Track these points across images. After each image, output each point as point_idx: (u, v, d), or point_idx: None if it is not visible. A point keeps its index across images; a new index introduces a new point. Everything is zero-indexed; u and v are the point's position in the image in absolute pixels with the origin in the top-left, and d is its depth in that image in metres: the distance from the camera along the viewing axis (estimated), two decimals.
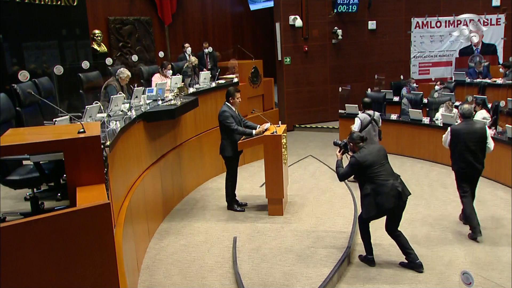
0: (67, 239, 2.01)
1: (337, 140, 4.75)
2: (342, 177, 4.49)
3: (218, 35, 12.26)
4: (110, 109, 4.61)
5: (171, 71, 7.09)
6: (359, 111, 6.97)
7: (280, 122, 6.06)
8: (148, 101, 5.63)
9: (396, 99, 9.60)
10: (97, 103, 4.17)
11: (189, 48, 8.96)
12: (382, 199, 4.16)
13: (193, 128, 6.75)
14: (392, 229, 4.40)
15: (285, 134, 5.79)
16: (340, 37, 11.24)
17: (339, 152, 4.59)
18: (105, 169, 2.93)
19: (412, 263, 4.34)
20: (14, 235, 1.89)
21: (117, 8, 9.69)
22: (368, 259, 4.47)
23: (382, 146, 4.48)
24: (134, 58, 8.01)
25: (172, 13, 10.71)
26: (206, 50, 9.37)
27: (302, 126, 11.19)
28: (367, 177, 4.23)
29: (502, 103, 7.57)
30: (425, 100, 9.03)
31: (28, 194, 4.13)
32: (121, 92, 5.58)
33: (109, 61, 6.93)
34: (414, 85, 9.69)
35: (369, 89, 9.38)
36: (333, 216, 5.55)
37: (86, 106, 3.97)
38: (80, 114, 4.17)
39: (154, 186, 5.30)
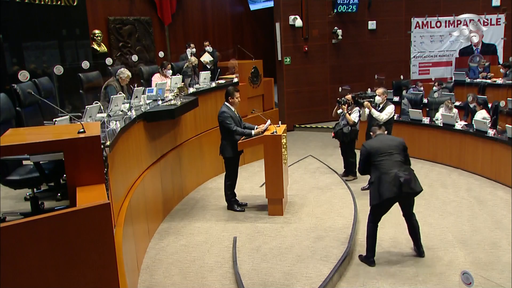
0: (67, 239, 2.01)
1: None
2: (360, 171, 4.62)
3: (218, 35, 12.25)
4: (110, 109, 4.61)
5: (171, 71, 7.09)
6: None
7: (280, 122, 6.06)
8: (148, 101, 5.62)
9: (396, 99, 9.60)
10: (97, 103, 4.17)
11: (194, 49, 8.95)
12: (383, 188, 4.19)
13: (193, 128, 6.75)
14: (406, 215, 4.55)
15: (285, 134, 5.79)
16: (340, 37, 11.24)
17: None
18: (105, 169, 2.93)
19: (417, 251, 4.56)
20: (14, 235, 1.89)
21: (117, 8, 9.68)
22: (369, 260, 4.45)
23: (399, 139, 4.49)
24: (134, 58, 8.00)
25: (172, 13, 10.69)
26: (207, 49, 9.35)
27: (302, 126, 11.18)
28: (373, 165, 4.34)
29: (502, 103, 7.57)
30: (425, 100, 9.04)
31: (28, 194, 4.13)
32: (121, 92, 5.58)
33: (109, 61, 6.92)
34: (421, 88, 9.70)
35: (369, 89, 9.38)
36: (333, 216, 5.54)
37: (86, 106, 3.97)
38: (80, 114, 4.17)
39: (154, 186, 5.29)
